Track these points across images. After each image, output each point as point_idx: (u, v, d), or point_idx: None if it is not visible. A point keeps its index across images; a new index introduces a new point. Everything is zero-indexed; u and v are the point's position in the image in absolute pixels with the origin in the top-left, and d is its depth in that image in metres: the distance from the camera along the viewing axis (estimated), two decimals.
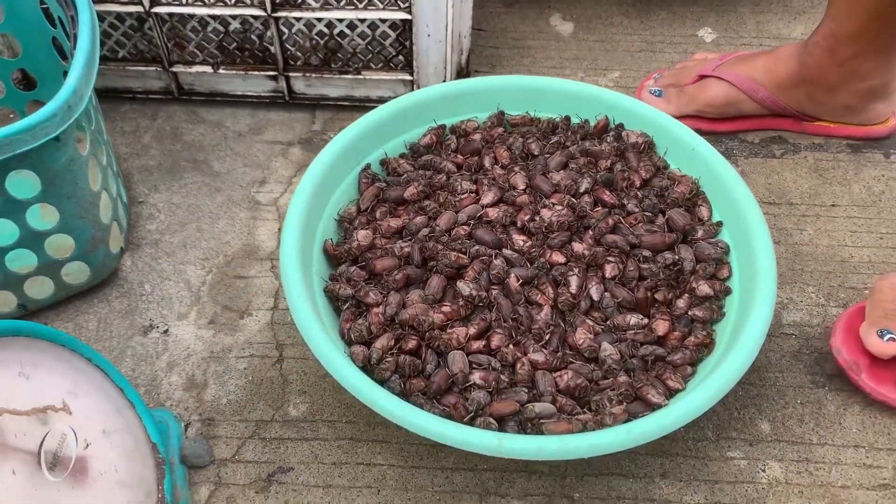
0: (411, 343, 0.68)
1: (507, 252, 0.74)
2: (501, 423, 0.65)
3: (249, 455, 0.72)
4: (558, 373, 0.67)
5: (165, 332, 0.82)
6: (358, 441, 0.73)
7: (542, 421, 0.64)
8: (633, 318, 0.70)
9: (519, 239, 0.75)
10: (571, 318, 0.71)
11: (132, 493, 0.64)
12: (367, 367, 0.67)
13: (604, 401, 0.65)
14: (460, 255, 0.73)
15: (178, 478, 0.71)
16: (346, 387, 0.61)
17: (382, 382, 0.66)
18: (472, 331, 0.69)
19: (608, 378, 0.67)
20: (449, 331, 0.69)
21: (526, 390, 0.66)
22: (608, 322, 0.71)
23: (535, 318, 0.70)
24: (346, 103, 1.03)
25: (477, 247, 0.74)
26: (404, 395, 0.66)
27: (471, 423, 0.63)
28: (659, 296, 0.72)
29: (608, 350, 0.68)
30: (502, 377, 0.67)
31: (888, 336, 0.69)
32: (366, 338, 0.69)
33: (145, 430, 0.68)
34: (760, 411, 0.75)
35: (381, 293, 0.71)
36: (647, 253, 0.74)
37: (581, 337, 0.69)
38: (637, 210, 0.77)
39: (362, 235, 0.75)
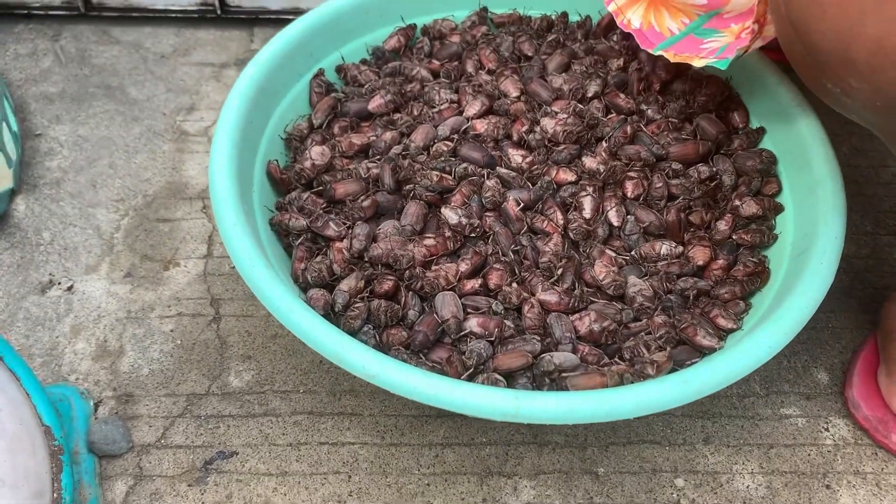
0: (387, 284, 0.52)
1: (502, 171, 0.59)
2: (510, 381, 0.49)
3: (180, 438, 0.56)
4: (577, 315, 0.52)
5: (69, 288, 0.64)
6: (320, 415, 0.57)
7: (564, 375, 0.48)
8: (664, 246, 0.55)
9: (516, 155, 0.60)
10: (587, 248, 0.56)
11: (14, 493, 0.47)
12: (330, 316, 0.51)
13: (639, 347, 0.50)
14: (444, 175, 0.57)
15: (82, 470, 0.54)
16: (303, 337, 0.45)
17: (352, 335, 0.50)
18: (463, 267, 0.53)
19: (641, 319, 0.52)
20: (434, 268, 0.53)
21: (538, 338, 0.51)
22: (633, 252, 0.56)
23: (543, 249, 0.55)
24: (290, 17, 0.86)
25: (464, 165, 0.58)
26: (381, 349, 0.50)
27: (470, 381, 0.48)
28: (694, 218, 0.57)
29: (637, 285, 0.53)
30: (506, 322, 0.51)
31: None
32: (327, 279, 0.53)
33: (35, 410, 0.51)
34: (815, 359, 0.61)
35: (345, 224, 0.55)
36: (676, 166, 0.59)
37: (601, 271, 0.54)
38: (659, 117, 0.62)
39: (317, 153, 0.59)
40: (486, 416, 0.42)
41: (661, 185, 0.58)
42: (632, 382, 0.47)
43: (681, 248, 0.56)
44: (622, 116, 0.61)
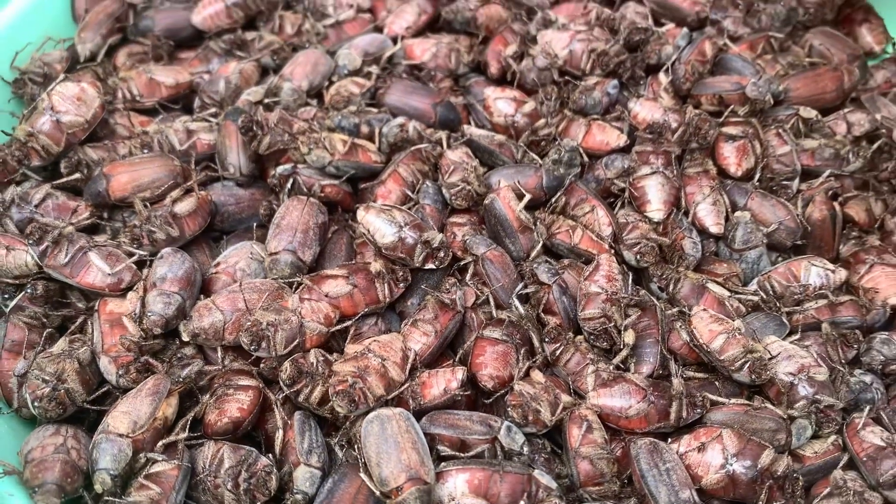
0: (238, 402, 0.23)
1: (472, 131, 0.30)
2: None
3: None
4: (689, 441, 0.23)
5: None
6: None
7: None
8: (814, 271, 0.29)
9: (500, 99, 0.31)
10: (666, 280, 0.27)
11: None
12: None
13: None
14: (356, 142, 0.26)
15: None
16: None
17: None
18: (418, 342, 0.26)
19: (822, 432, 0.23)
20: (352, 350, 0.23)
21: None
22: (756, 285, 0.27)
23: (582, 291, 0.26)
24: None
25: (397, 122, 0.28)
26: None
27: None
28: (855, 211, 0.31)
29: (794, 358, 0.27)
30: (537, 477, 0.21)
31: None
32: (76, 403, 0.21)
33: None
34: None
35: (129, 255, 0.22)
36: (808, 113, 0.31)
37: (707, 330, 0.27)
38: (746, 31, 0.34)
39: (70, 96, 0.27)
40: None
41: (786, 149, 0.28)
42: None
43: (843, 272, 0.27)
44: (685, 28, 0.32)
